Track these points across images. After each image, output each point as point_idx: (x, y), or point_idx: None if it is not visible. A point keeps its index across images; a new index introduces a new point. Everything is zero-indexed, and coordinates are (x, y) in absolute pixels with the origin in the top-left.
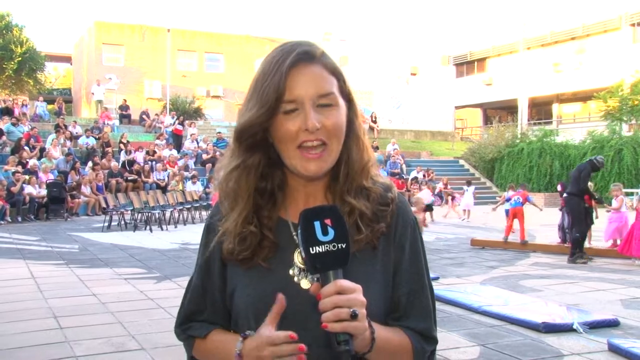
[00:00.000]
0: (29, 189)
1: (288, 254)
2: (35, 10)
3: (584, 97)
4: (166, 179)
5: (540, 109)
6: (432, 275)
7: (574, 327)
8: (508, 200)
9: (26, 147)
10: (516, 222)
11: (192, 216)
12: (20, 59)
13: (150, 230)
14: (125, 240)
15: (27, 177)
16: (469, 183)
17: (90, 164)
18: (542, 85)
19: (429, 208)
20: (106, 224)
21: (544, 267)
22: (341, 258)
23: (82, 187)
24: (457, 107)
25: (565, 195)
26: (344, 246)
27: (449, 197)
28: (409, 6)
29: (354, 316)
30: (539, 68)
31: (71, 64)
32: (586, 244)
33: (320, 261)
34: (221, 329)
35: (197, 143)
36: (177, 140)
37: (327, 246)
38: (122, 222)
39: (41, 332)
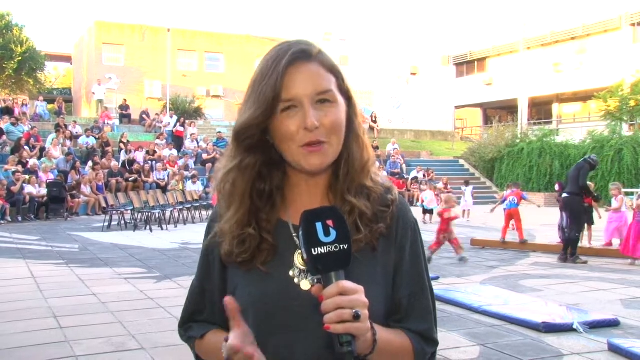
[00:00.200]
0: (29, 189)
1: (288, 256)
2: (35, 9)
3: (584, 97)
4: (166, 178)
5: (541, 109)
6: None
7: (574, 327)
8: (504, 201)
9: (26, 147)
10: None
11: (192, 216)
12: (20, 58)
13: (151, 230)
14: (126, 240)
15: (27, 176)
16: (466, 183)
17: (90, 163)
18: (542, 85)
19: (429, 210)
20: (106, 224)
21: (544, 267)
22: (343, 259)
23: (82, 186)
24: (457, 107)
25: (565, 195)
26: (346, 247)
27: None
28: (409, 6)
29: (356, 317)
30: (539, 68)
31: (71, 64)
32: (586, 244)
33: (322, 262)
34: (218, 330)
35: (197, 143)
36: (178, 141)
37: (329, 247)
38: (122, 222)
39: (41, 331)
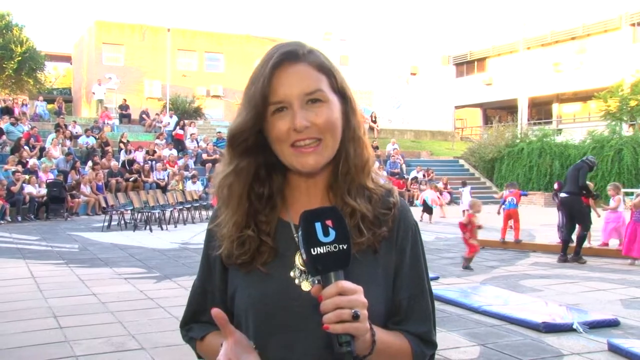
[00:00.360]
0: (29, 189)
1: (289, 256)
2: (35, 9)
3: (584, 97)
4: (166, 178)
5: (540, 109)
6: (432, 275)
7: (574, 327)
8: (503, 202)
9: (26, 147)
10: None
11: (192, 216)
12: (20, 58)
13: (150, 229)
14: (125, 240)
15: (27, 176)
16: (464, 184)
17: (90, 163)
18: (542, 85)
19: (429, 210)
20: (106, 224)
21: (544, 267)
22: (342, 259)
23: (82, 186)
24: (457, 107)
25: (564, 195)
26: (345, 247)
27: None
28: (409, 6)
29: (355, 317)
30: (539, 68)
31: (71, 64)
32: (586, 244)
33: (321, 262)
34: (217, 332)
35: (197, 143)
36: (178, 145)
37: (328, 247)
38: (122, 222)
39: (41, 331)
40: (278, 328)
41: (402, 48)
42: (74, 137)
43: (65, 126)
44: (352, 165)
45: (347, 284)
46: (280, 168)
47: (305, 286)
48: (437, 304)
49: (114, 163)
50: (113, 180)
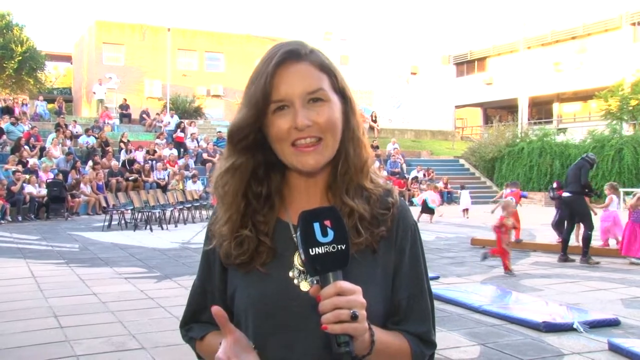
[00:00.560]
0: (29, 189)
1: (288, 256)
2: (35, 9)
3: (584, 97)
4: (166, 178)
5: (541, 109)
6: (432, 274)
7: (575, 326)
8: None
9: (26, 147)
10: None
11: (193, 215)
12: (20, 58)
13: (151, 229)
14: (126, 240)
15: (27, 176)
16: (462, 187)
17: (90, 163)
18: (542, 85)
19: (429, 210)
20: (106, 223)
21: (544, 266)
22: (341, 259)
23: (83, 186)
24: (457, 107)
25: (567, 194)
26: (343, 247)
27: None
28: (409, 6)
29: (354, 317)
30: (540, 67)
31: (71, 63)
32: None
33: (320, 263)
34: (218, 332)
35: (198, 142)
36: (179, 147)
37: (326, 247)
38: (123, 222)
39: (41, 331)
40: (277, 328)
41: (402, 48)
42: (74, 137)
43: (66, 126)
44: (351, 165)
45: (345, 284)
46: (279, 168)
47: (304, 286)
48: (438, 304)
49: (114, 163)
50: (113, 180)
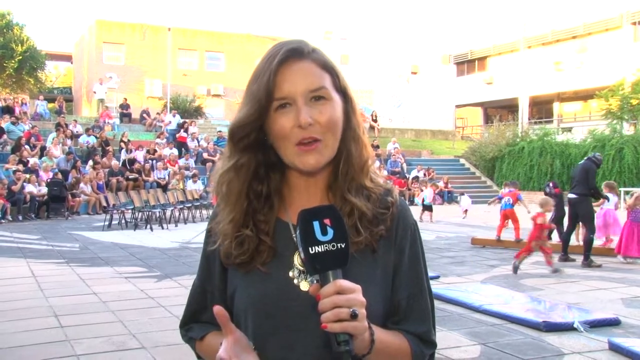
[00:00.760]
0: (29, 188)
1: (288, 256)
2: (35, 8)
3: (584, 96)
4: (167, 177)
5: (541, 108)
6: (432, 274)
7: (575, 326)
8: (500, 198)
9: (27, 146)
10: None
11: (193, 215)
12: (20, 57)
13: (151, 229)
14: (126, 239)
15: (27, 175)
16: (462, 194)
17: (90, 162)
18: (543, 84)
19: (428, 208)
20: (107, 223)
21: (544, 266)
22: (340, 258)
23: (83, 185)
24: (457, 106)
25: (573, 196)
26: (343, 246)
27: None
28: (409, 5)
29: (353, 316)
30: (540, 67)
31: (72, 63)
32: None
33: (319, 261)
34: (218, 332)
35: (198, 142)
36: (181, 147)
37: (326, 246)
38: (123, 221)
39: (42, 330)
40: (277, 328)
41: (402, 47)
42: (74, 136)
43: (66, 125)
44: (352, 164)
45: (345, 283)
46: (279, 167)
47: (304, 286)
48: (438, 303)
49: (114, 162)
50: (114, 180)
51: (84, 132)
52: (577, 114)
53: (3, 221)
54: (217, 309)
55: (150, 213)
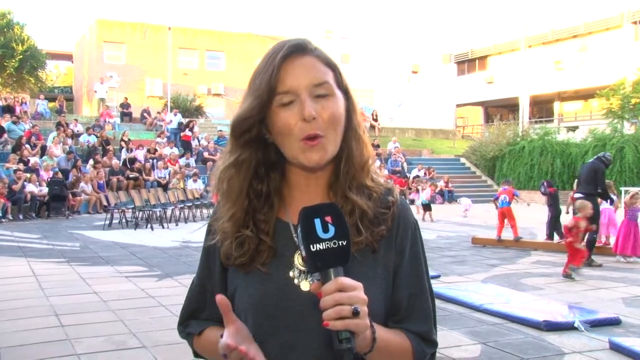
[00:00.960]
0: (30, 187)
1: (288, 256)
2: (36, 8)
3: (585, 95)
4: (167, 177)
5: (542, 107)
6: (433, 273)
7: (576, 325)
8: (497, 197)
9: (27, 145)
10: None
11: (193, 214)
12: (21, 57)
13: (152, 228)
14: (127, 238)
15: (28, 175)
16: (460, 197)
17: (91, 161)
18: (543, 84)
19: (428, 207)
20: (107, 222)
21: (545, 265)
22: (342, 255)
23: (84, 185)
24: (458, 105)
25: (579, 195)
26: (344, 243)
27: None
28: (410, 4)
29: (355, 313)
30: (541, 66)
31: (72, 62)
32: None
33: (320, 259)
34: (216, 326)
35: (199, 141)
36: (186, 146)
37: (327, 243)
38: (123, 220)
39: (42, 329)
40: (278, 328)
41: (403, 46)
42: (75, 136)
43: (67, 124)
44: (354, 163)
45: (346, 280)
46: (278, 167)
47: (305, 286)
48: (439, 303)
49: (115, 161)
50: (114, 179)
51: (85, 132)
52: (578, 113)
53: (4, 220)
54: (220, 298)
55: (150, 212)
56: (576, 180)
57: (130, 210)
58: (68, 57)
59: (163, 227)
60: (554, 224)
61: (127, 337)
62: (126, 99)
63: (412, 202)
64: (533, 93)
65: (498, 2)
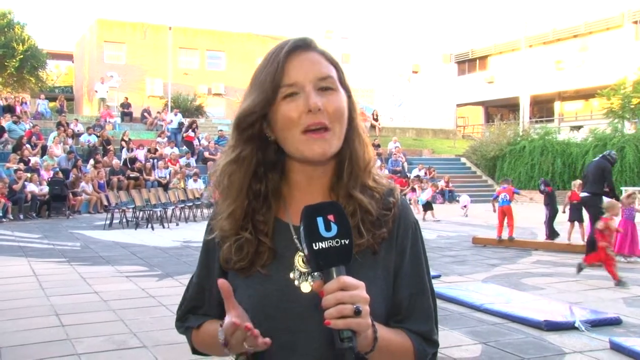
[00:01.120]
0: (30, 187)
1: (288, 257)
2: (37, 8)
3: (586, 95)
4: (168, 176)
5: (542, 107)
6: (434, 273)
7: (576, 325)
8: (496, 197)
9: (28, 145)
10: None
11: (194, 214)
12: (22, 56)
13: (152, 228)
14: (127, 238)
15: (29, 174)
16: (459, 195)
17: (92, 161)
18: (544, 83)
19: (429, 207)
20: (108, 222)
21: (546, 265)
22: (344, 254)
23: (84, 184)
24: (458, 105)
25: (585, 194)
26: (347, 242)
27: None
28: (410, 4)
29: (357, 312)
30: (541, 66)
31: (73, 62)
32: (580, 242)
33: (323, 257)
34: (214, 319)
35: (199, 141)
36: (190, 147)
37: (330, 242)
38: (124, 220)
39: (43, 329)
40: (277, 330)
41: (403, 46)
42: (75, 135)
43: (67, 124)
44: (357, 163)
45: (348, 279)
46: (278, 168)
47: (305, 287)
48: (439, 302)
49: (115, 161)
50: (115, 179)
51: (85, 131)
52: (579, 113)
53: (4, 220)
54: (222, 282)
55: (151, 212)
56: (578, 180)
57: (130, 210)
58: (68, 57)
59: (163, 227)
60: (549, 222)
61: (127, 336)
62: (127, 98)
63: (409, 201)
64: (533, 93)
65: (498, 2)
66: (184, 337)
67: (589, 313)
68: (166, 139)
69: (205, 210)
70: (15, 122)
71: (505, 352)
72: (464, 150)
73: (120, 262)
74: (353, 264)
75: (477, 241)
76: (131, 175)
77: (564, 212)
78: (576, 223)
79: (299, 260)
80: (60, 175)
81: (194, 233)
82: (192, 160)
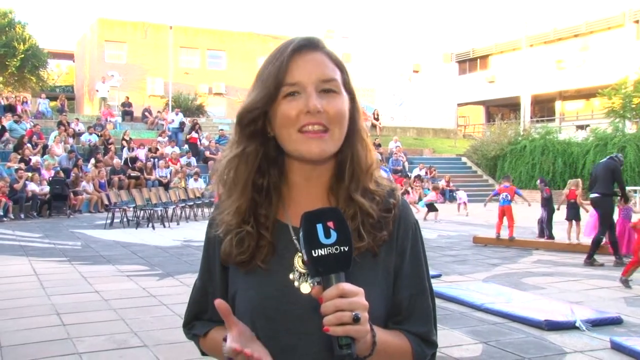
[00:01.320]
0: (31, 186)
1: (288, 258)
2: (38, 7)
3: (586, 95)
4: (168, 176)
5: (543, 106)
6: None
7: (577, 324)
8: (496, 195)
9: (29, 144)
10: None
11: (195, 213)
12: (22, 56)
13: (153, 227)
14: (128, 238)
15: (29, 174)
16: (457, 189)
17: (92, 161)
18: (545, 83)
19: (432, 208)
20: (108, 221)
21: (546, 264)
22: (343, 261)
23: (85, 184)
24: (459, 105)
25: (595, 195)
26: (346, 249)
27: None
28: (411, 4)
29: (356, 319)
30: (542, 65)
31: (74, 61)
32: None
33: (322, 264)
34: (221, 327)
35: (200, 140)
36: (193, 149)
37: (329, 249)
38: (125, 219)
39: (44, 328)
40: (278, 331)
41: (404, 46)
42: (76, 135)
43: (68, 124)
44: (359, 166)
45: (347, 286)
46: (278, 164)
47: (305, 289)
48: (440, 302)
49: (116, 160)
50: (115, 178)
51: (86, 131)
52: (579, 113)
53: (5, 219)
54: (218, 303)
55: (152, 211)
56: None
57: (131, 209)
58: (69, 56)
59: (164, 226)
60: (548, 223)
61: (128, 336)
62: (127, 98)
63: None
64: (534, 92)
65: (499, 2)
66: (185, 337)
67: (589, 312)
68: (167, 138)
69: (206, 210)
70: (16, 122)
71: (506, 351)
72: (464, 149)
73: (121, 262)
74: (353, 266)
75: (478, 240)
76: (132, 174)
77: (558, 209)
78: (573, 222)
79: (298, 261)
80: (61, 174)
81: (195, 232)
82: (193, 160)
